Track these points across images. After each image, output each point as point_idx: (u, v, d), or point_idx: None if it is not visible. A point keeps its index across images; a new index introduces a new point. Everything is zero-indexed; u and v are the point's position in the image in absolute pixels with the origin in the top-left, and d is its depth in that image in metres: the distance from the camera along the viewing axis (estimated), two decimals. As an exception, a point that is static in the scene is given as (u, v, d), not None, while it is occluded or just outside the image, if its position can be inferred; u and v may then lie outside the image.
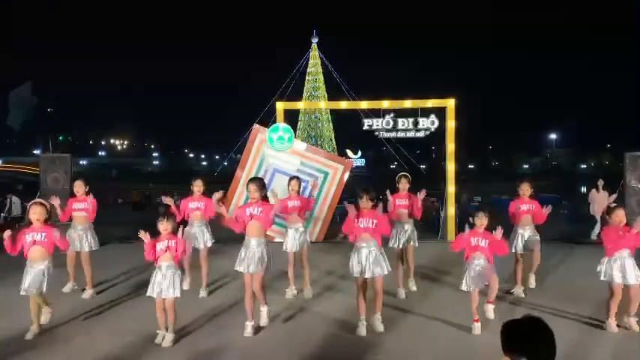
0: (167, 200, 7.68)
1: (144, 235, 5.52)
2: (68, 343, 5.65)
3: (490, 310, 5.93)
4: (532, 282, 7.42)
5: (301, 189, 7.83)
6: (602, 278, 6.01)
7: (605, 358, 5.32)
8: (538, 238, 7.34)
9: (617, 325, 5.89)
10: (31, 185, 24.22)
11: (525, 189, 7.38)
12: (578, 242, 12.04)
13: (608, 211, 6.08)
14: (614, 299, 5.87)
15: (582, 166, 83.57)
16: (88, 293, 7.33)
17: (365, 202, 5.78)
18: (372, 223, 5.77)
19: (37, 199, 6.17)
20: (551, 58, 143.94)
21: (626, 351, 5.46)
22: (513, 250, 7.28)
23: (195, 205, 7.49)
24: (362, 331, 5.79)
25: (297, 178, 7.76)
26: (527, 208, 7.32)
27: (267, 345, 5.61)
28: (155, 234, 5.65)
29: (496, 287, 5.96)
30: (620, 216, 5.93)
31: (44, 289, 5.73)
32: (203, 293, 7.37)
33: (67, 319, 6.31)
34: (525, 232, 7.31)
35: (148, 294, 5.65)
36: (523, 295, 7.19)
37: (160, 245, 5.60)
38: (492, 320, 5.98)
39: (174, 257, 5.61)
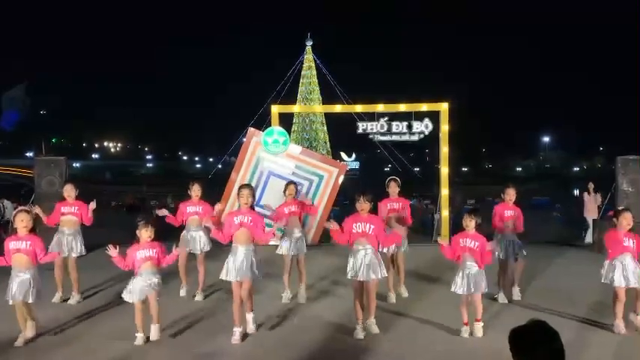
0: (162, 212, 7.57)
1: (112, 251, 5.49)
2: (63, 347, 5.64)
3: (479, 328, 5.90)
4: (516, 294, 7.32)
5: (297, 193, 7.83)
6: (602, 281, 6.07)
7: (600, 359, 5.38)
8: (521, 245, 7.34)
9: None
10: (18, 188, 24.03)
11: (511, 195, 7.38)
12: (571, 244, 12.16)
13: (616, 213, 6.12)
14: (619, 302, 5.91)
15: (575, 169, 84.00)
16: (75, 299, 7.28)
17: (362, 204, 5.79)
18: (369, 227, 5.78)
19: (22, 207, 6.13)
20: (544, 58, 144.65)
21: (622, 351, 5.52)
22: (497, 257, 7.27)
23: (194, 210, 7.46)
24: (359, 334, 5.81)
25: (295, 183, 7.75)
26: (511, 214, 7.33)
27: (263, 348, 5.63)
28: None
29: (480, 305, 5.93)
30: (627, 219, 5.97)
31: (30, 299, 5.62)
32: (199, 297, 7.38)
33: (60, 324, 6.29)
34: (508, 239, 7.29)
35: (125, 298, 5.63)
36: (506, 301, 7.20)
37: (141, 254, 5.57)
38: (489, 324, 6.04)
39: (155, 266, 5.60)
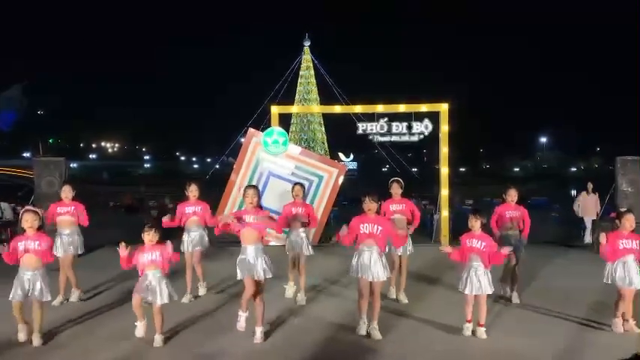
0: (166, 221, 7.32)
1: (122, 250, 5.52)
2: (63, 348, 5.65)
3: (482, 332, 5.90)
4: (515, 299, 7.31)
5: (305, 194, 7.77)
6: (604, 281, 6.09)
7: (593, 358, 5.41)
8: (522, 246, 7.40)
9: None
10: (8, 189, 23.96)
11: (512, 195, 7.43)
12: (570, 245, 12.20)
13: (619, 215, 6.14)
14: (622, 302, 5.95)
15: (572, 169, 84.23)
16: (75, 295, 7.31)
17: (369, 204, 5.79)
18: (377, 229, 5.77)
19: (28, 207, 6.14)
20: (544, 58, 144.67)
21: (620, 351, 5.53)
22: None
23: (192, 210, 7.46)
24: (362, 330, 5.83)
25: (301, 184, 7.69)
26: (514, 214, 7.37)
27: (264, 348, 5.63)
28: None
29: (484, 307, 5.93)
30: (630, 221, 5.98)
31: (44, 298, 5.67)
32: (202, 290, 7.47)
33: (61, 324, 6.29)
34: (511, 238, 7.31)
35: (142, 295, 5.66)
36: (509, 295, 7.24)
37: (144, 258, 5.60)
38: (489, 324, 6.07)
39: (160, 268, 5.63)
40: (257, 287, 5.76)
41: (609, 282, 6.02)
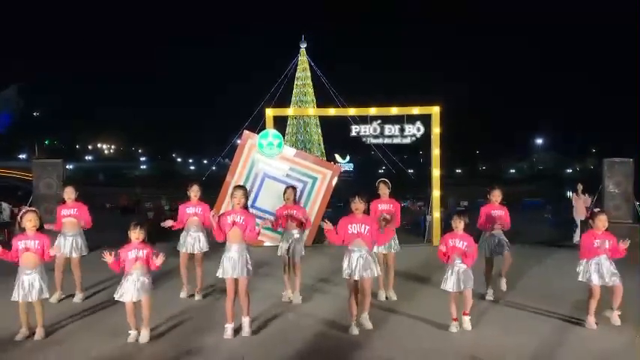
0: (167, 224, 7.54)
1: (107, 257, 5.68)
2: (60, 345, 5.78)
3: (467, 321, 6.09)
4: (503, 285, 7.58)
5: (297, 196, 7.83)
6: (579, 279, 6.30)
7: (579, 353, 5.58)
8: (507, 241, 7.61)
9: (596, 323, 6.18)
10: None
11: (497, 195, 7.64)
12: (560, 245, 12.39)
13: (592, 215, 6.34)
14: (593, 299, 6.15)
15: (568, 170, 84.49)
16: (79, 297, 7.46)
17: (357, 204, 5.95)
18: (365, 229, 5.94)
19: (28, 208, 6.29)
20: (544, 58, 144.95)
21: (600, 346, 5.70)
22: (484, 255, 7.48)
23: (193, 211, 7.57)
24: (354, 331, 5.99)
25: (293, 187, 7.75)
26: (497, 214, 7.59)
27: (257, 344, 5.76)
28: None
29: (470, 299, 6.11)
30: (602, 221, 6.18)
31: (44, 296, 5.86)
32: (198, 297, 7.54)
33: (58, 322, 6.43)
34: (495, 237, 7.53)
35: (116, 298, 5.78)
36: (492, 298, 7.40)
37: (131, 255, 5.74)
38: (477, 321, 6.25)
39: (145, 266, 5.77)
40: (239, 287, 5.89)
41: (584, 280, 6.23)
